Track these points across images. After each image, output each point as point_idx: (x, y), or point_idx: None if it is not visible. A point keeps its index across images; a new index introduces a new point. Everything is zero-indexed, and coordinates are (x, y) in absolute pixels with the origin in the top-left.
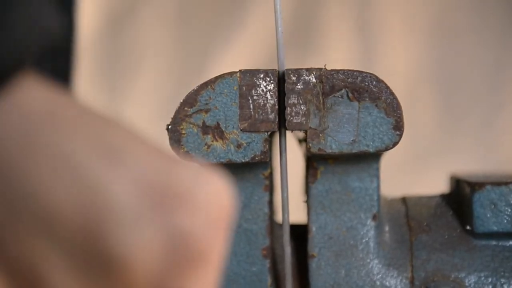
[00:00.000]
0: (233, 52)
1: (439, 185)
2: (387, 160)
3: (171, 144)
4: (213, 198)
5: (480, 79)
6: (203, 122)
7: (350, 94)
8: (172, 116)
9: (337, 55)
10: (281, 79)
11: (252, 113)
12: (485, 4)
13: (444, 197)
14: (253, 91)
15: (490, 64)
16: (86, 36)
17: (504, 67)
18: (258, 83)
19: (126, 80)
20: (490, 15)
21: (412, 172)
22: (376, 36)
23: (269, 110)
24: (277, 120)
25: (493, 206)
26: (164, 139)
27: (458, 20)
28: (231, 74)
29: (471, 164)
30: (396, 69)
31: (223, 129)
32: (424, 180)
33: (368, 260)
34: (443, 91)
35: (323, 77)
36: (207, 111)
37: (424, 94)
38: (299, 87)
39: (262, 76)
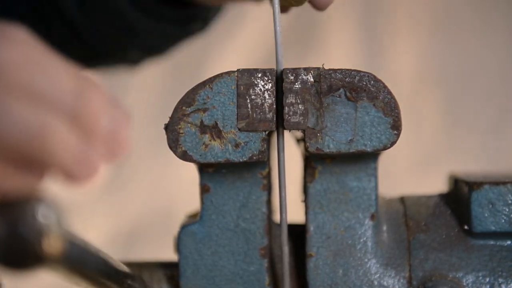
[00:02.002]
0: (231, 51)
1: (444, 187)
2: (392, 162)
3: (169, 143)
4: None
5: (486, 81)
6: (201, 122)
7: (348, 94)
8: (169, 115)
9: (340, 55)
10: (279, 78)
11: (250, 112)
12: (491, 5)
13: (442, 196)
14: (251, 91)
15: (497, 66)
16: None
17: (511, 69)
18: (256, 82)
19: (122, 79)
20: (497, 17)
21: (417, 174)
22: (380, 37)
23: (267, 109)
24: (275, 119)
25: (491, 206)
26: (162, 138)
27: (465, 20)
28: (229, 73)
29: (478, 166)
30: (401, 70)
31: (221, 129)
32: (428, 182)
33: (366, 260)
34: (449, 92)
35: (321, 76)
36: (205, 110)
37: (430, 96)
38: (297, 86)
39: (260, 75)
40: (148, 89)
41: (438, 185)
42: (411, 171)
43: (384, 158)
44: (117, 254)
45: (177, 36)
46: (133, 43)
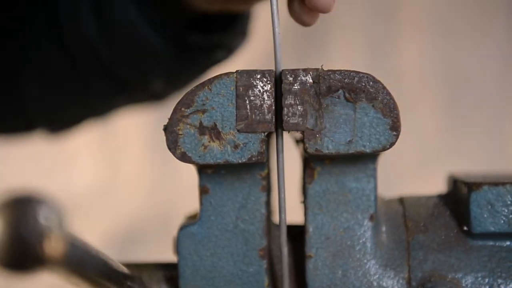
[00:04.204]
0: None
1: (443, 188)
2: (391, 162)
3: (168, 144)
4: None
5: (487, 81)
6: (200, 123)
7: (347, 95)
8: (168, 116)
9: (341, 55)
10: (278, 79)
11: (249, 113)
12: (492, 5)
13: (441, 197)
14: (250, 92)
15: (497, 65)
16: None
17: (511, 69)
18: (255, 83)
19: None
20: (497, 16)
21: (417, 174)
22: (381, 37)
23: (266, 110)
24: (274, 120)
25: (490, 207)
26: (160, 139)
27: (465, 21)
28: (228, 74)
29: (478, 166)
30: (402, 70)
31: (220, 130)
32: (428, 182)
33: (365, 261)
34: (449, 93)
35: (320, 77)
36: (204, 111)
37: (430, 96)
38: (296, 87)
39: (259, 76)
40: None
41: (438, 185)
42: (411, 171)
43: (384, 159)
44: (114, 256)
45: (202, 65)
46: (155, 72)
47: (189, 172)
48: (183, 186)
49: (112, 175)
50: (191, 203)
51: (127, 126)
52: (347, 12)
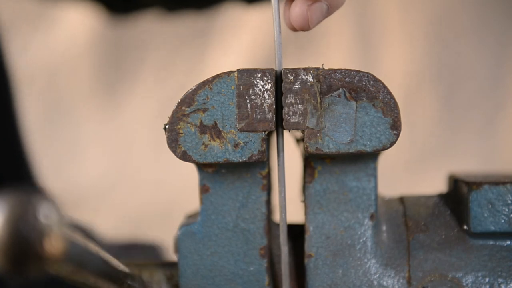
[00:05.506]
0: (231, 51)
1: (440, 186)
2: (388, 161)
3: (168, 143)
4: None
5: (481, 80)
6: (201, 122)
7: (347, 94)
8: (169, 115)
9: (337, 55)
10: (278, 78)
11: (250, 112)
12: (485, 5)
13: (442, 196)
14: (250, 91)
15: (491, 64)
16: (88, 36)
17: (504, 67)
18: (255, 82)
19: (125, 80)
20: (490, 16)
21: (413, 173)
22: (376, 36)
23: (266, 109)
24: (274, 119)
25: (490, 206)
26: (162, 138)
27: (459, 20)
28: (228, 73)
29: (473, 164)
30: (397, 69)
31: (221, 129)
32: (425, 180)
33: (366, 260)
34: (444, 91)
35: (321, 76)
36: (204, 110)
37: (425, 95)
38: (297, 86)
39: (259, 75)
40: (150, 89)
41: (434, 183)
42: (407, 169)
43: (380, 157)
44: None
45: None
46: None
47: (194, 169)
48: (189, 181)
49: (119, 169)
50: (195, 198)
51: (133, 121)
52: (342, 13)
